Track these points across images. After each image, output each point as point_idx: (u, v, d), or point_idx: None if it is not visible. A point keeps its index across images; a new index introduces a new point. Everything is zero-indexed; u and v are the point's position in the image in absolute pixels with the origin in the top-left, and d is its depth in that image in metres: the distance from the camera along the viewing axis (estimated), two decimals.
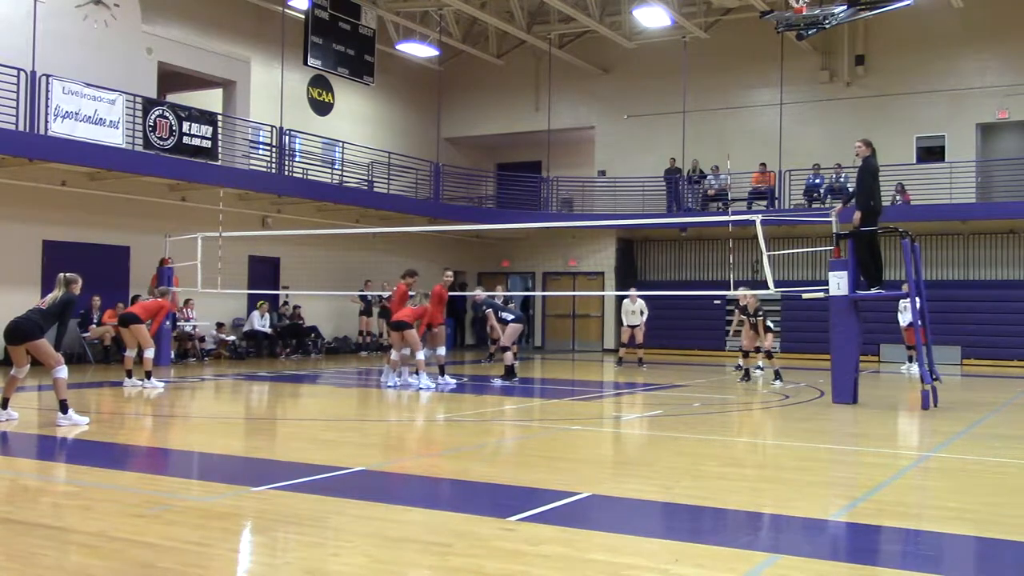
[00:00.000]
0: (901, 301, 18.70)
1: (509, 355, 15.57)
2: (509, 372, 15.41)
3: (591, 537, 5.27)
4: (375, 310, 24.05)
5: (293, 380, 16.19)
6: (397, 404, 12.63)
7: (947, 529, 5.60)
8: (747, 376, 16.35)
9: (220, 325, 21.18)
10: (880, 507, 6.16)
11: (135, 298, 18.07)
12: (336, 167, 25.16)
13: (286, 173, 22.49)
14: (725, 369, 19.61)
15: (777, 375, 15.86)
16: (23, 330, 9.55)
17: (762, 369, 17.12)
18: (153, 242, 18.69)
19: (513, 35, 27.37)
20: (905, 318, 19.41)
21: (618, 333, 20.69)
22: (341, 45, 24.05)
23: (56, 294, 9.77)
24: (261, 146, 22.83)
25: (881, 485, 6.93)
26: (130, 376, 13.81)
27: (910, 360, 19.91)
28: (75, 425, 9.49)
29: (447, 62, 29.19)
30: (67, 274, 9.93)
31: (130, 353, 14.15)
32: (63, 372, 9.63)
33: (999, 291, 23.99)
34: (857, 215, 12.56)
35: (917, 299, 12.64)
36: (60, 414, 9.56)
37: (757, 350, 16.44)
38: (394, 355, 14.60)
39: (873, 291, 12.87)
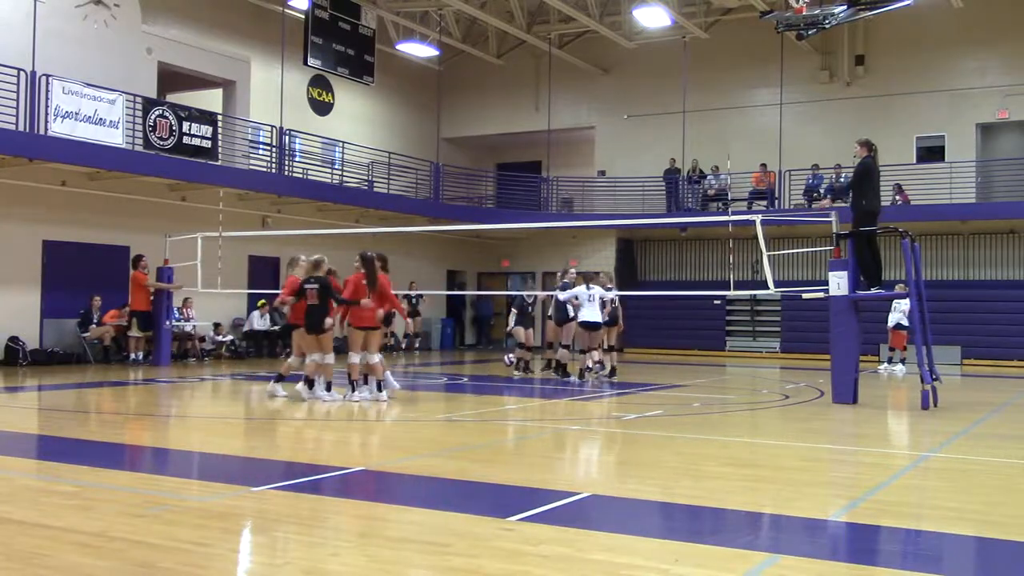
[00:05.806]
0: (895, 301, 18.69)
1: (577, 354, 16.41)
2: (581, 371, 15.99)
3: (591, 537, 5.27)
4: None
5: (293, 380, 16.14)
6: (397, 404, 12.60)
7: (947, 529, 5.60)
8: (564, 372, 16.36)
9: (217, 326, 21.14)
10: (880, 507, 6.16)
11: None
12: (336, 167, 25.15)
13: (286, 173, 22.48)
14: (725, 369, 19.58)
15: (550, 365, 16.30)
16: (313, 323, 11.86)
17: (610, 372, 16.40)
18: (153, 242, 18.67)
19: (513, 35, 27.37)
20: (894, 318, 19.31)
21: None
22: (341, 45, 24.05)
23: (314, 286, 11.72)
24: (261, 146, 22.82)
25: (881, 485, 6.93)
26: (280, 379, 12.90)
27: (890, 361, 19.85)
28: (376, 402, 11.85)
29: (447, 62, 29.17)
30: (309, 259, 12.12)
31: (292, 361, 12.93)
32: (329, 359, 12.10)
33: (999, 291, 23.98)
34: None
35: (917, 299, 12.65)
36: (322, 391, 12.14)
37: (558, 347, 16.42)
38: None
39: (873, 291, 12.89)
